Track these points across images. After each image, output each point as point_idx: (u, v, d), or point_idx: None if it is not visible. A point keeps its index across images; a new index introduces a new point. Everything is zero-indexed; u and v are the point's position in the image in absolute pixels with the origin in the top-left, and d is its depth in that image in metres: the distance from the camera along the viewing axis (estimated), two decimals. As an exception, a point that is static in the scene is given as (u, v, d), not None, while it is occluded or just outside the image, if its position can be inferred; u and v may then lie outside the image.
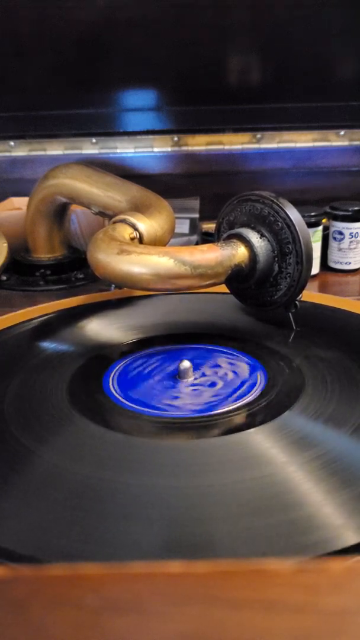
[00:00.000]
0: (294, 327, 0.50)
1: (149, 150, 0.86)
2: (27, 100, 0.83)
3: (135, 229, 0.52)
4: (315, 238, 0.68)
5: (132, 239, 0.51)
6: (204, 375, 0.43)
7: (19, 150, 0.85)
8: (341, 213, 0.70)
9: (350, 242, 0.71)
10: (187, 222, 0.78)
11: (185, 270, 0.42)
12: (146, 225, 0.52)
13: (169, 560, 0.25)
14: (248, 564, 0.19)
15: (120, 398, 0.40)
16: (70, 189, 0.66)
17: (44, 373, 0.43)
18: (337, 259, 0.72)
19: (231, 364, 0.45)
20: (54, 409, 0.38)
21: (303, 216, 0.47)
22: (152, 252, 0.43)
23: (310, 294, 0.57)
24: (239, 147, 0.87)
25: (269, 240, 0.47)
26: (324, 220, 0.70)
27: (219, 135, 0.86)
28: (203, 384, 0.42)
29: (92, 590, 0.17)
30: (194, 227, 0.77)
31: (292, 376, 0.42)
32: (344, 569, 0.19)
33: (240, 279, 0.48)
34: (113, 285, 0.61)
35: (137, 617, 0.16)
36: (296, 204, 0.48)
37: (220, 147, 0.87)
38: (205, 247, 0.45)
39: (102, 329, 0.52)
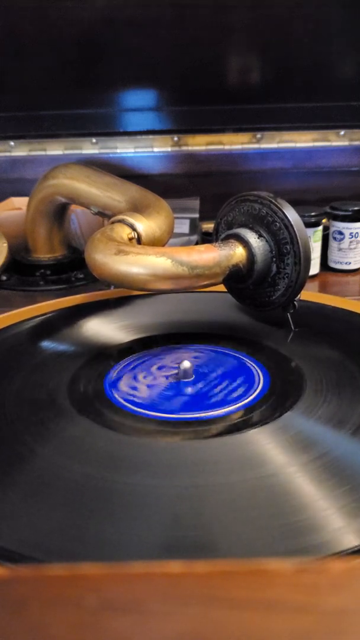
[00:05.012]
0: (293, 328, 0.50)
1: (149, 150, 0.86)
2: (27, 100, 0.83)
3: (134, 229, 0.52)
4: (315, 238, 0.68)
5: (130, 239, 0.51)
6: (204, 375, 0.43)
7: (19, 150, 0.85)
8: (341, 213, 0.70)
9: (350, 242, 0.71)
10: (187, 222, 0.78)
11: (183, 270, 0.42)
12: (144, 225, 0.52)
13: (169, 560, 0.25)
14: (248, 564, 0.19)
15: (120, 398, 0.40)
16: (70, 189, 0.66)
17: (44, 373, 0.43)
18: (337, 259, 0.72)
19: (231, 364, 0.45)
20: (53, 409, 0.38)
21: (303, 216, 0.47)
22: (150, 252, 0.43)
23: (310, 294, 0.57)
24: (239, 147, 0.87)
25: (267, 241, 0.47)
26: (324, 220, 0.70)
27: (219, 135, 0.86)
28: (203, 384, 0.42)
29: (92, 590, 0.17)
30: (194, 227, 0.77)
31: (293, 376, 0.42)
32: (344, 569, 0.19)
33: (238, 279, 0.48)
34: (112, 286, 0.61)
35: (137, 617, 0.16)
36: (296, 204, 0.48)
37: (220, 147, 0.87)
38: (202, 247, 0.45)
39: (102, 328, 0.52)
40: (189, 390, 0.41)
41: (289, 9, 0.77)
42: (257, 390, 0.40)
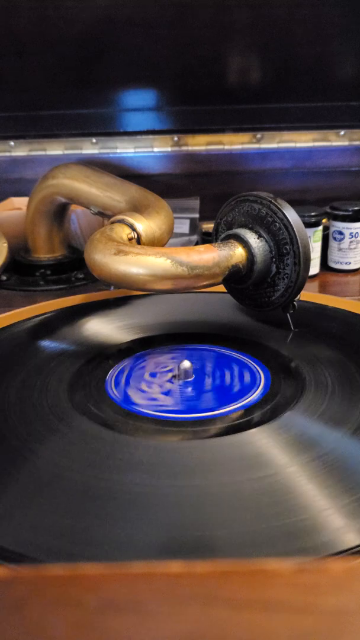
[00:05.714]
0: (292, 328, 0.50)
1: (149, 150, 0.86)
2: (27, 100, 0.83)
3: (133, 229, 0.52)
4: (315, 238, 0.68)
5: (130, 239, 0.51)
6: (203, 375, 0.43)
7: (19, 150, 0.85)
8: (341, 213, 0.70)
9: (350, 242, 0.71)
10: (187, 222, 0.78)
11: (182, 271, 0.42)
12: (144, 225, 0.52)
13: (169, 560, 0.25)
14: (248, 564, 0.19)
15: (120, 398, 0.40)
16: (70, 189, 0.66)
17: (44, 373, 0.43)
18: (337, 259, 0.72)
19: (231, 364, 0.45)
20: (53, 409, 0.38)
21: (303, 216, 0.47)
22: (149, 252, 0.43)
23: (310, 294, 0.57)
24: (239, 147, 0.87)
25: (266, 241, 0.47)
26: (324, 220, 0.70)
27: (219, 135, 0.86)
28: (203, 384, 0.42)
29: (92, 590, 0.17)
30: (194, 227, 0.77)
31: (292, 376, 0.42)
32: (344, 569, 0.19)
33: (237, 280, 0.48)
34: (112, 286, 0.61)
35: (137, 617, 0.16)
36: (296, 204, 0.48)
37: (220, 147, 0.87)
38: (202, 247, 0.45)
39: (101, 328, 0.52)
40: (189, 390, 0.41)
41: (289, 9, 0.77)
42: (257, 391, 0.40)
